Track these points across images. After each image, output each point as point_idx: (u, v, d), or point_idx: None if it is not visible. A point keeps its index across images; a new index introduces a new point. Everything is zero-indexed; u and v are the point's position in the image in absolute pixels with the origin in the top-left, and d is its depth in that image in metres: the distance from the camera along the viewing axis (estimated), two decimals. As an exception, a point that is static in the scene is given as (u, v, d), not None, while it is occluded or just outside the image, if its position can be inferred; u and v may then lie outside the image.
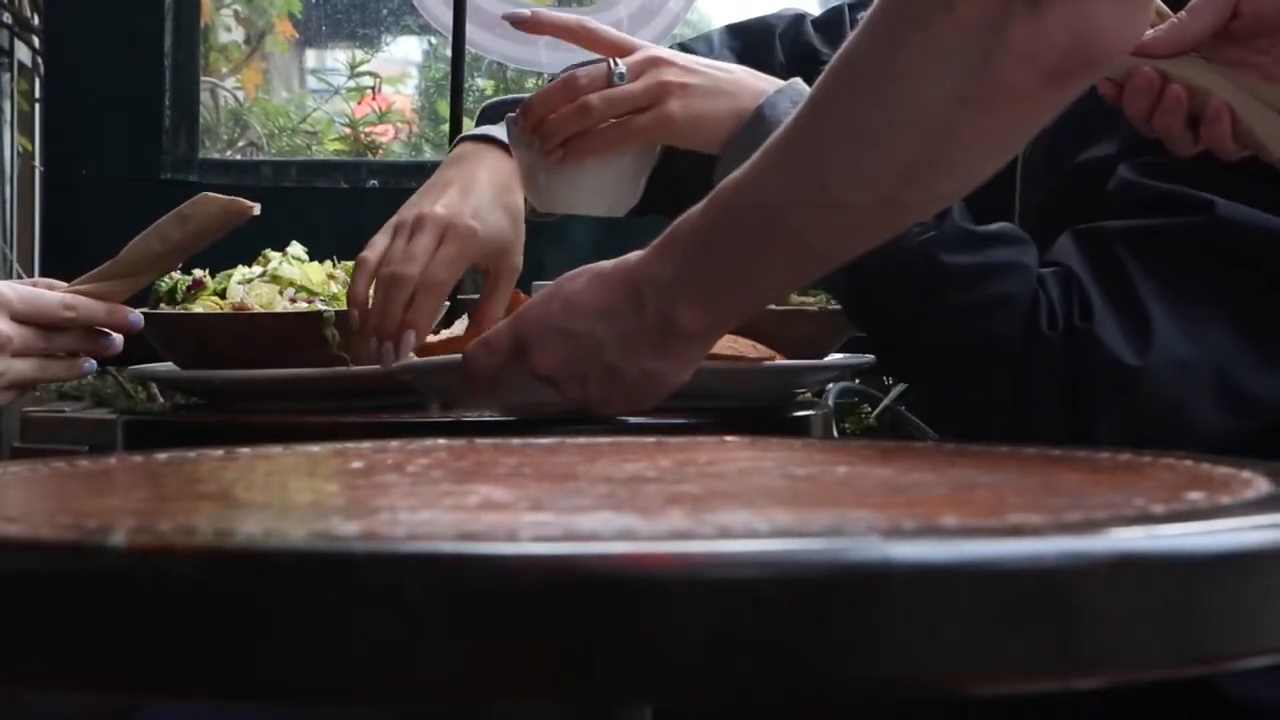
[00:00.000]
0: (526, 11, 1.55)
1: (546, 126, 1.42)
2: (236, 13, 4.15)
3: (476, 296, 1.72)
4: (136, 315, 1.40)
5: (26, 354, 1.34)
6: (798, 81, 1.43)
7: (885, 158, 1.00)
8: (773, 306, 1.59)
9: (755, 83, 1.43)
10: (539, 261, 1.81)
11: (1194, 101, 1.13)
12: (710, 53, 1.60)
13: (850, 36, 1.01)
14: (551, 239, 2.94)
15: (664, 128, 1.42)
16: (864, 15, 1.01)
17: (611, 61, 1.42)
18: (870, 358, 1.67)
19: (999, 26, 0.93)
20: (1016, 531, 0.58)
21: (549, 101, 1.41)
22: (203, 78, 3.44)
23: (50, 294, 1.36)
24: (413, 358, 1.51)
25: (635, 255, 1.19)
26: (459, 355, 1.31)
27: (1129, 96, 1.14)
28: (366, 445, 1.00)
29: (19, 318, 1.33)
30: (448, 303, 1.84)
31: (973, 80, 0.95)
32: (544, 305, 1.23)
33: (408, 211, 1.59)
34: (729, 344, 1.51)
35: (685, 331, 1.16)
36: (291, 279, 1.67)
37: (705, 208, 1.12)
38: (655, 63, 1.43)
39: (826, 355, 1.63)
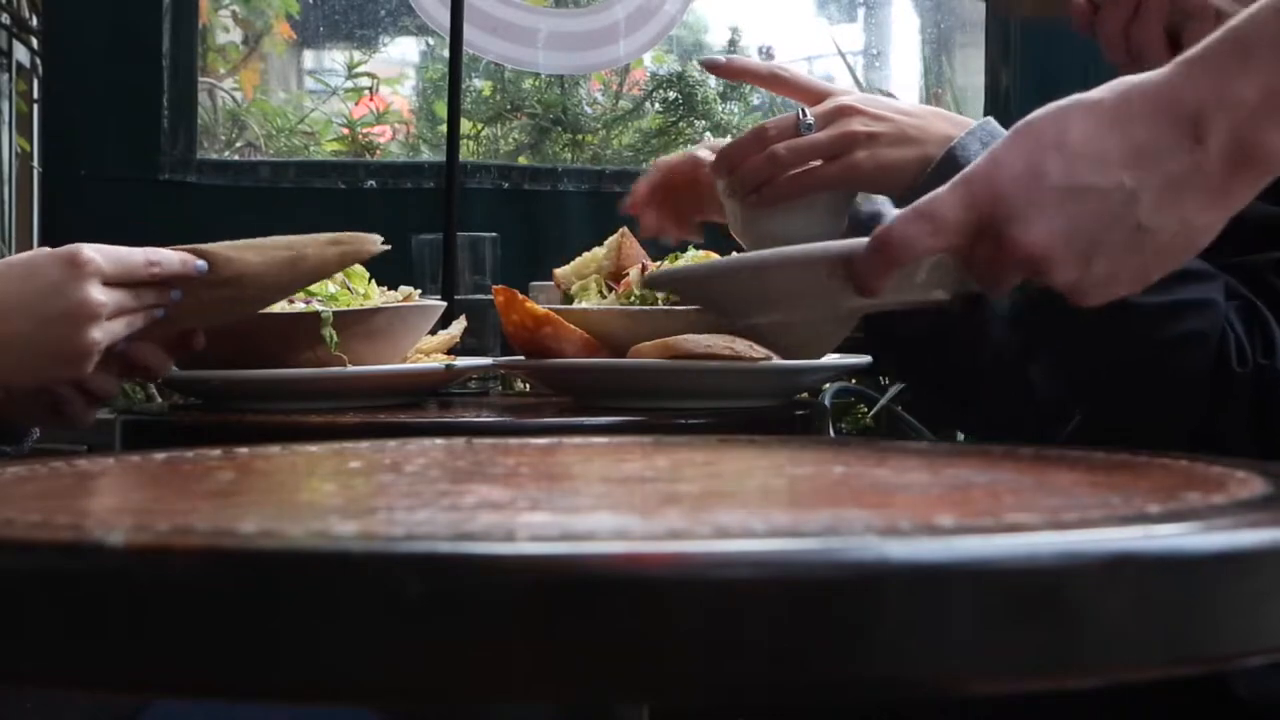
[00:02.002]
0: (721, 58, 1.57)
1: (739, 174, 1.45)
2: (234, 13, 4.15)
3: (476, 297, 1.73)
4: (201, 263, 1.39)
5: (119, 315, 1.34)
6: (990, 121, 1.44)
7: None
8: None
9: (944, 127, 1.44)
10: (539, 261, 1.81)
11: (1174, 11, 1.11)
12: None
13: None
14: (550, 241, 2.94)
15: (850, 176, 1.44)
16: None
17: (801, 111, 1.45)
18: (866, 359, 1.67)
19: None
20: (1013, 531, 0.59)
21: (741, 151, 1.45)
22: (201, 78, 3.44)
23: (135, 253, 1.35)
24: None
25: (1157, 77, 0.92)
26: (820, 246, 1.06)
27: (1106, 9, 1.11)
28: (364, 445, 1.00)
29: (110, 281, 1.32)
30: (446, 303, 1.85)
31: None
32: (1024, 161, 0.93)
33: None
34: (726, 344, 1.51)
35: (1264, 162, 0.90)
36: (290, 279, 1.67)
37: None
38: (843, 111, 1.45)
39: (823, 356, 1.63)
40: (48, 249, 1.33)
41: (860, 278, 0.98)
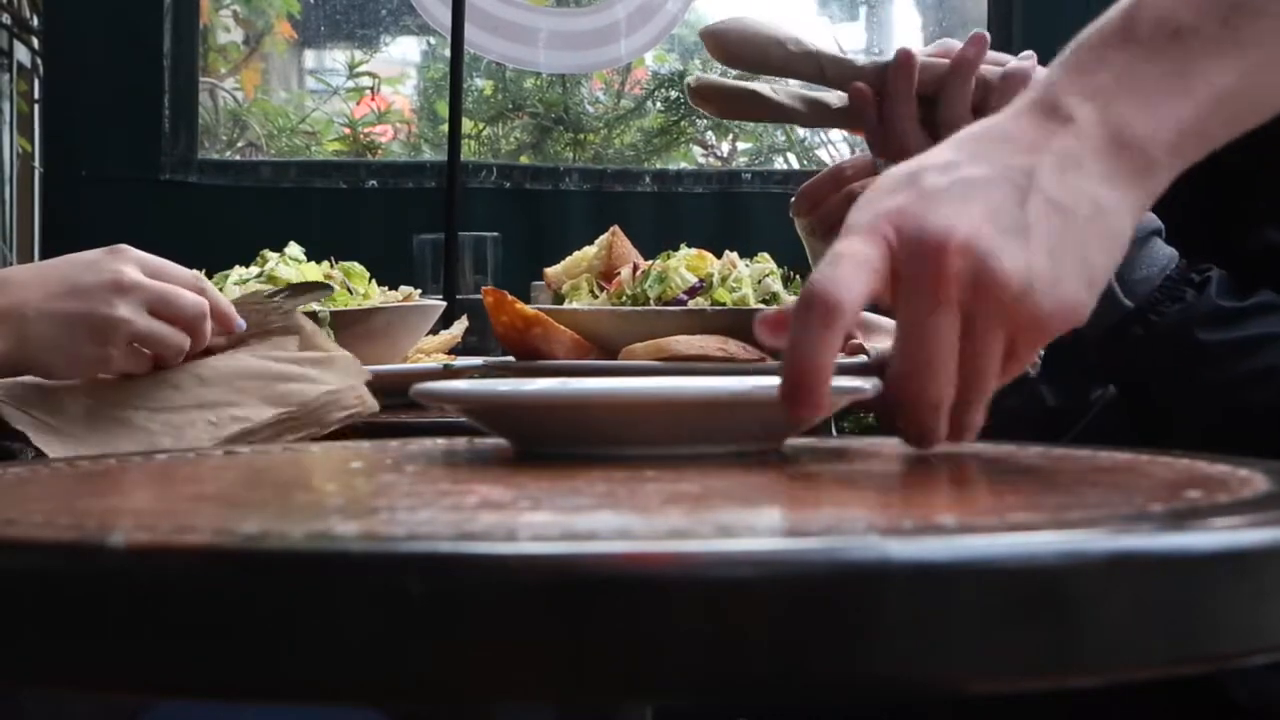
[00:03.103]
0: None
1: (817, 215, 1.45)
2: (236, 13, 4.16)
3: (477, 296, 1.73)
4: (240, 321, 1.43)
5: (153, 308, 1.37)
6: None
7: None
8: (764, 306, 1.59)
9: None
10: (541, 261, 1.81)
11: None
12: None
13: None
14: (552, 240, 2.94)
15: None
16: None
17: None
18: (863, 359, 1.67)
19: None
20: (1015, 530, 0.58)
21: (819, 190, 1.44)
22: (202, 78, 3.45)
23: (183, 271, 1.39)
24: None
25: (1008, 108, 0.87)
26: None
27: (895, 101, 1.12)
28: (366, 445, 1.00)
29: (149, 273, 1.36)
30: (445, 303, 1.85)
31: None
32: (906, 178, 0.84)
33: None
34: (719, 345, 1.51)
35: (1138, 145, 0.85)
36: (288, 279, 1.68)
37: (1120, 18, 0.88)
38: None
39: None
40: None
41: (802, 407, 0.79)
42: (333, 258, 1.76)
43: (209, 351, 1.41)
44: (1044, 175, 0.82)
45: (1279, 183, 1.30)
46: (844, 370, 1.37)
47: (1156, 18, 0.87)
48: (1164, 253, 1.31)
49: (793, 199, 1.48)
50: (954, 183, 0.82)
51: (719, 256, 1.64)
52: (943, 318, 0.79)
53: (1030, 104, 0.86)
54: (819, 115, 1.40)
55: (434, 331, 1.79)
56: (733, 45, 1.33)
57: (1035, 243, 0.81)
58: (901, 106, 1.36)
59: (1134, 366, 1.33)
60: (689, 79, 1.38)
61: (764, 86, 1.40)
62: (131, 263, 1.35)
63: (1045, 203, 0.82)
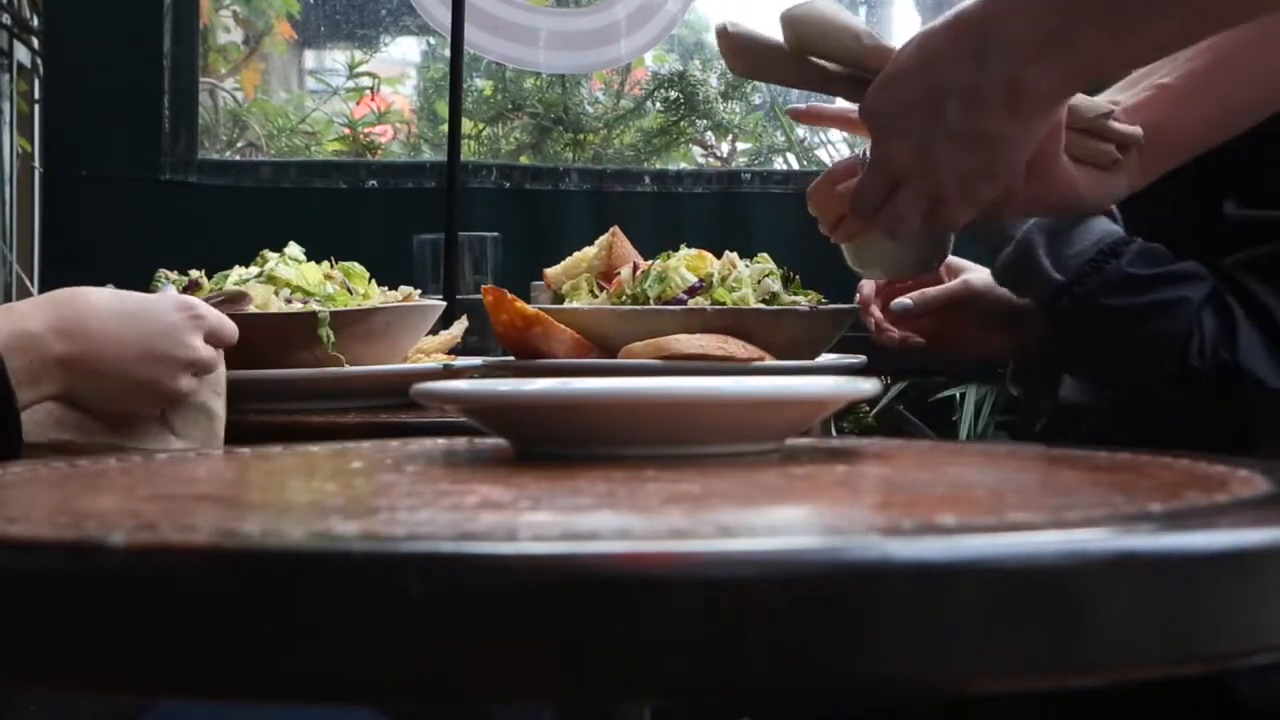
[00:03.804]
0: (801, 106, 1.57)
1: (819, 212, 1.48)
2: (235, 13, 4.15)
3: (477, 296, 1.72)
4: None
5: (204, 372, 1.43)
6: None
7: None
8: (763, 306, 1.59)
9: None
10: (541, 261, 1.81)
11: None
12: None
13: None
14: (552, 240, 2.94)
15: None
16: None
17: (864, 152, 1.48)
18: (862, 359, 1.67)
19: None
20: (1015, 530, 0.58)
21: (818, 190, 1.47)
22: (202, 78, 3.44)
23: (227, 322, 1.44)
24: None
25: (965, 10, 1.11)
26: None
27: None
28: (366, 445, 1.00)
29: (210, 339, 1.42)
30: (445, 303, 1.85)
31: None
32: (874, 94, 1.18)
33: None
34: (719, 344, 1.51)
35: (1036, 93, 1.09)
36: (287, 279, 1.68)
37: None
38: None
39: (817, 356, 1.63)
40: (171, 294, 1.43)
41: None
42: (333, 258, 1.76)
43: None
44: (951, 111, 1.11)
45: (1244, 158, 1.35)
46: (844, 370, 1.40)
47: None
48: (1100, 229, 1.41)
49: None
50: (897, 109, 1.15)
51: (719, 256, 1.64)
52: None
53: (972, 28, 1.09)
54: (855, 89, 1.39)
55: (434, 331, 1.79)
56: (811, 34, 1.33)
57: (947, 169, 1.13)
58: None
59: (1066, 339, 1.42)
60: (722, 23, 1.37)
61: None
62: (202, 333, 1.39)
63: (955, 133, 1.11)
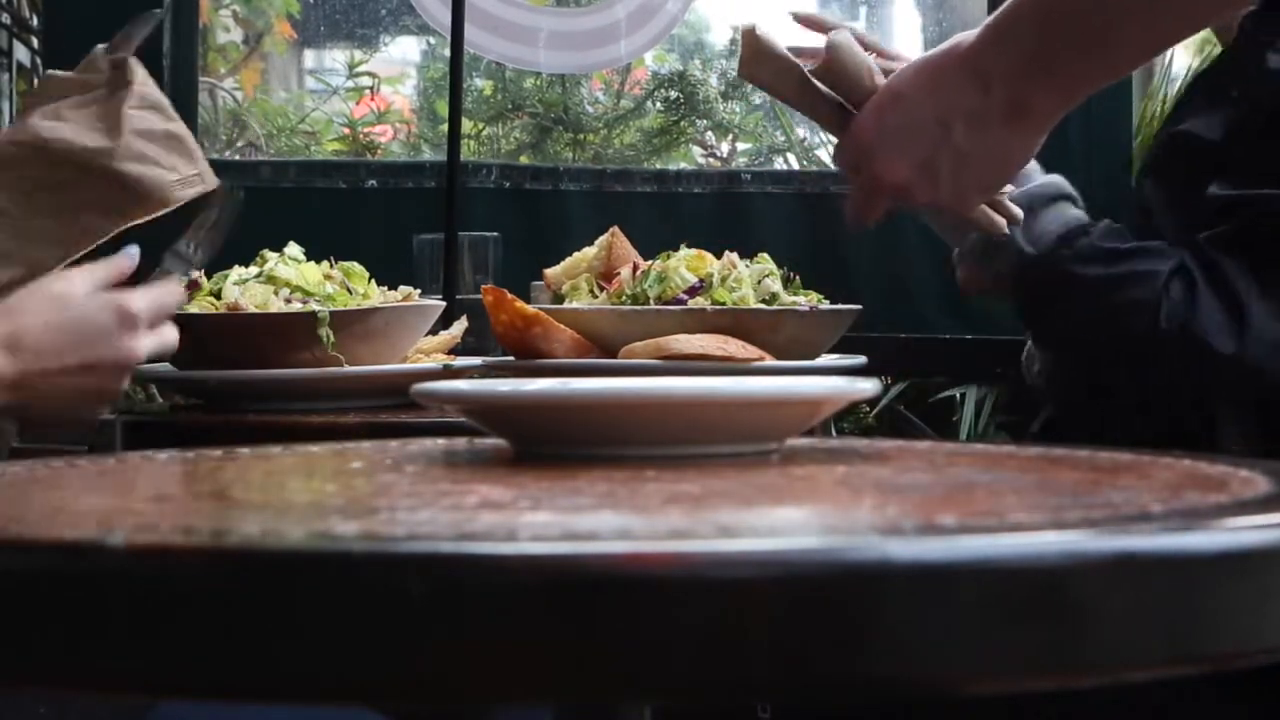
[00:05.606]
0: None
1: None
2: (235, 13, 4.16)
3: (477, 296, 1.72)
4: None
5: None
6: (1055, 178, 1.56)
7: None
8: (763, 306, 1.59)
9: None
10: (541, 261, 1.81)
11: None
12: None
13: None
14: (552, 240, 2.94)
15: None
16: None
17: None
18: (862, 359, 1.67)
19: None
20: (1015, 530, 0.58)
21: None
22: (201, 78, 3.44)
23: (170, 296, 1.49)
24: None
25: (965, 40, 1.23)
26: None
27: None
28: (366, 445, 1.00)
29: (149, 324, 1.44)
30: (445, 303, 1.85)
31: None
32: (873, 114, 1.29)
33: None
34: (719, 344, 1.51)
35: (1037, 111, 1.22)
36: (287, 279, 1.68)
37: None
38: None
39: (817, 356, 1.63)
40: (90, 290, 1.43)
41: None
42: (332, 258, 1.76)
43: None
44: (957, 131, 1.23)
45: (1228, 142, 1.42)
46: (844, 370, 1.41)
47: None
48: (1071, 214, 1.49)
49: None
50: (903, 130, 1.26)
51: (719, 256, 1.64)
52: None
53: (972, 67, 1.22)
54: (844, 123, 1.40)
55: (434, 331, 1.79)
56: (844, 65, 1.36)
57: (944, 182, 1.26)
58: None
59: (1036, 309, 1.49)
60: (748, 25, 1.38)
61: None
62: (138, 330, 1.41)
63: (957, 152, 1.24)
